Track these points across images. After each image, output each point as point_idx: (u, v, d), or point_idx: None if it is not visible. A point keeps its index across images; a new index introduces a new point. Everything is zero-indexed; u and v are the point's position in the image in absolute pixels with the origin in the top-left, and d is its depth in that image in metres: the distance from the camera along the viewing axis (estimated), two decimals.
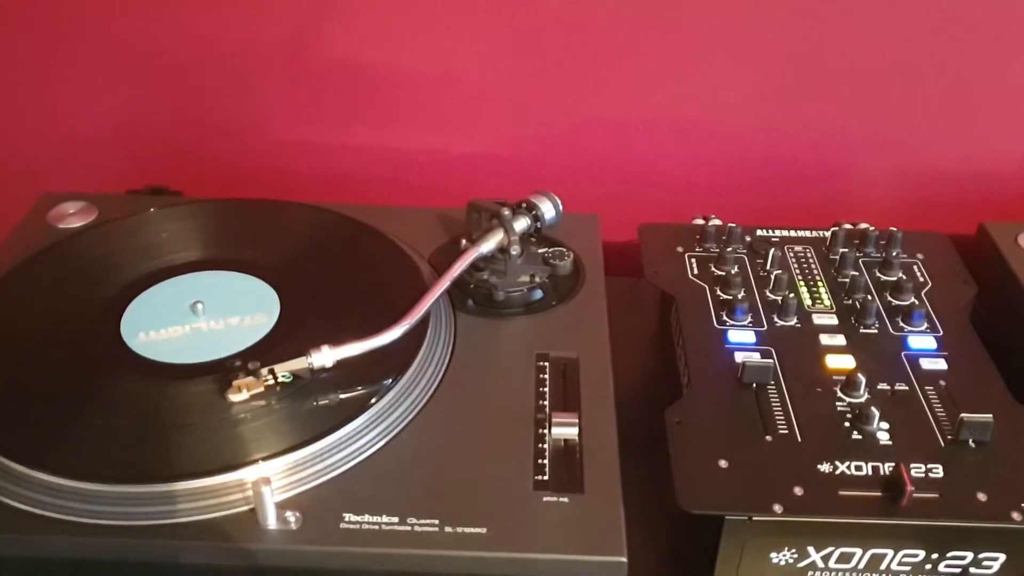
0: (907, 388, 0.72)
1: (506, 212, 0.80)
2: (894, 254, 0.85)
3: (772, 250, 0.84)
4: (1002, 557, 0.63)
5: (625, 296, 0.88)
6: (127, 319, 0.75)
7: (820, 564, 0.64)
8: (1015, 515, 0.61)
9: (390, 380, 0.69)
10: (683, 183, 1.04)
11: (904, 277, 0.82)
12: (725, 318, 0.78)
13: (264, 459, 0.62)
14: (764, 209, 1.01)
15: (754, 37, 0.95)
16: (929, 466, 0.65)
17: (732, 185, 1.04)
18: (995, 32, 0.93)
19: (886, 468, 0.64)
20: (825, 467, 0.65)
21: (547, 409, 0.69)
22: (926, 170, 1.02)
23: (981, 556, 0.63)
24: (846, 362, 0.74)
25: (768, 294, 0.81)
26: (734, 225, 0.87)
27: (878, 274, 0.83)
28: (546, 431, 0.67)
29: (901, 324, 0.78)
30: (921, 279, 0.83)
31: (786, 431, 0.68)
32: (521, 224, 0.80)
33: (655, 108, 1.00)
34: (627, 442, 0.67)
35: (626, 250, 0.93)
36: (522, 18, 0.95)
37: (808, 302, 0.80)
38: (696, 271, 0.84)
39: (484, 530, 0.60)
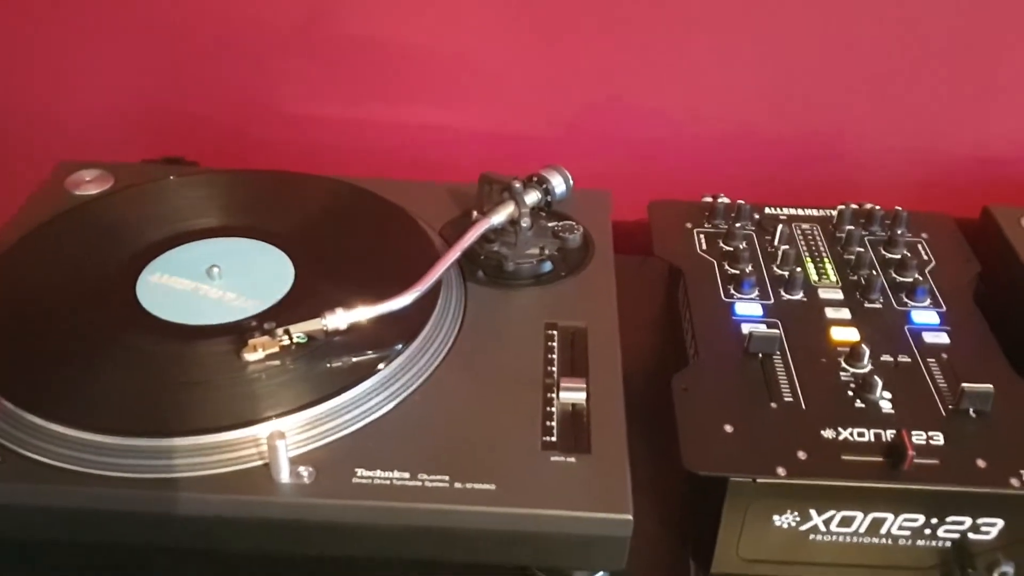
0: (910, 360, 0.73)
1: (517, 185, 0.81)
2: (899, 233, 0.86)
3: (780, 227, 0.86)
4: (1000, 523, 0.64)
5: (634, 274, 0.89)
6: (143, 281, 0.76)
7: (822, 527, 0.65)
8: (1014, 481, 0.63)
9: (401, 345, 0.70)
10: (694, 164, 1.05)
11: (908, 255, 0.83)
12: (732, 291, 0.79)
13: (278, 416, 0.63)
14: (772, 190, 1.02)
15: (765, 19, 0.96)
16: (930, 433, 0.66)
17: (742, 166, 1.05)
18: (1003, 16, 0.94)
19: (888, 435, 0.66)
20: (828, 433, 0.66)
21: (555, 375, 0.70)
22: (932, 154, 1.03)
23: (980, 521, 0.64)
24: (850, 334, 0.75)
25: (775, 269, 0.82)
26: (743, 202, 0.88)
27: (883, 252, 0.84)
28: (554, 395, 0.68)
29: (905, 299, 0.79)
30: (925, 257, 0.84)
31: (791, 399, 0.69)
32: (532, 197, 0.81)
33: (667, 88, 1.01)
34: (634, 413, 0.68)
35: (636, 229, 0.94)
36: None
37: (814, 277, 0.81)
38: (704, 246, 0.85)
39: (493, 486, 0.61)
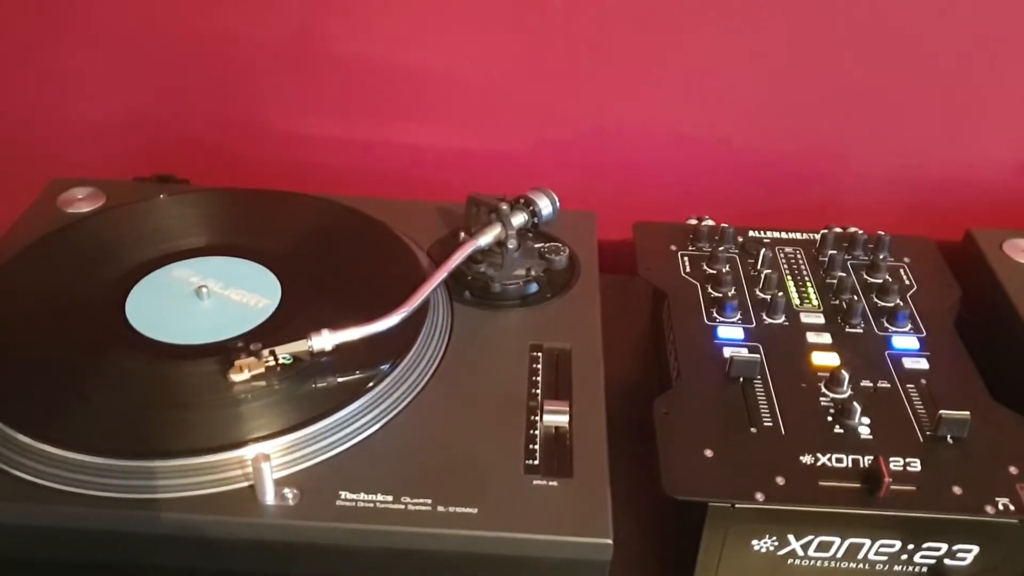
0: (889, 385, 0.73)
1: (504, 207, 0.82)
2: (881, 257, 0.87)
3: (763, 250, 0.86)
4: (976, 549, 0.65)
5: (619, 294, 0.90)
6: (132, 300, 0.77)
7: (800, 552, 0.66)
8: (989, 508, 0.63)
9: (388, 365, 0.70)
10: (680, 185, 1.06)
11: (890, 279, 0.84)
12: (715, 315, 0.80)
13: (264, 438, 0.64)
14: (758, 212, 1.03)
15: (750, 43, 0.97)
16: (907, 460, 0.67)
17: (727, 188, 1.05)
18: (986, 41, 0.95)
19: (866, 461, 0.66)
20: (807, 458, 0.67)
21: (539, 397, 0.71)
22: (917, 176, 1.03)
23: (955, 548, 0.65)
24: (831, 359, 0.76)
25: (758, 293, 0.83)
26: (727, 225, 0.89)
27: (865, 276, 0.85)
28: (537, 418, 0.69)
29: (886, 324, 0.80)
30: (907, 282, 0.85)
31: (770, 423, 0.70)
32: (519, 219, 0.82)
33: (654, 110, 1.02)
34: (617, 434, 0.69)
35: (622, 249, 0.95)
36: (525, 17, 0.97)
37: (796, 301, 0.82)
38: (688, 269, 0.86)
39: (475, 510, 0.62)
